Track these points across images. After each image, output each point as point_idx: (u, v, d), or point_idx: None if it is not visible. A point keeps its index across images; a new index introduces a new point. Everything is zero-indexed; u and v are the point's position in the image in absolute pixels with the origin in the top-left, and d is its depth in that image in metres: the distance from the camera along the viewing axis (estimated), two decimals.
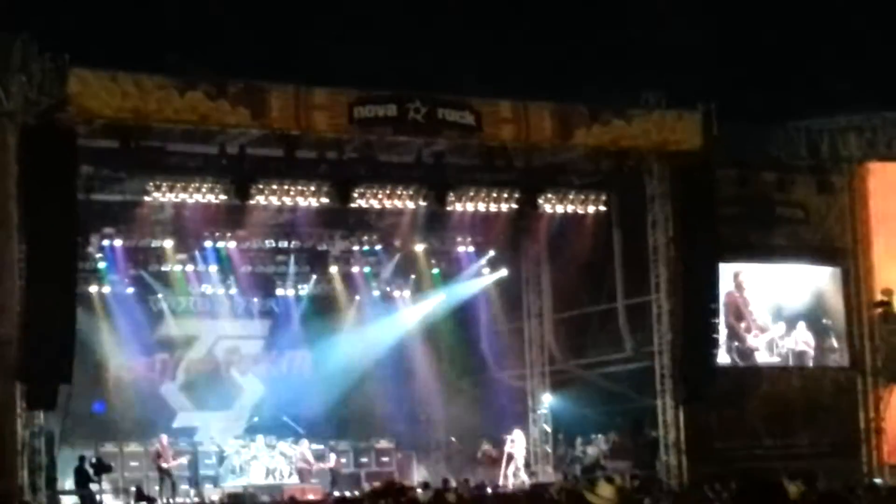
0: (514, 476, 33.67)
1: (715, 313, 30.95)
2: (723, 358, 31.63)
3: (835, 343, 33.35)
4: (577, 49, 37.50)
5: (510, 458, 33.97)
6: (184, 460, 32.47)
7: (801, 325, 33.04)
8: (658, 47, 36.77)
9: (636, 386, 33.50)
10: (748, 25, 38.67)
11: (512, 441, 34.13)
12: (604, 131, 29.59)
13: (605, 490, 11.53)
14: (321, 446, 33.86)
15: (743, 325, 32.40)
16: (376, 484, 29.98)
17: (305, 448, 33.38)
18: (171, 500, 31.10)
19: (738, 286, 32.36)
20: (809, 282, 33.30)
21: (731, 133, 31.06)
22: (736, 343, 32.26)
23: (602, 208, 32.30)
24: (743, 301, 32.44)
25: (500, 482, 33.15)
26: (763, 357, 32.61)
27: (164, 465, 31.47)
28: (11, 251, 25.46)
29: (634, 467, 32.23)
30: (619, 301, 33.62)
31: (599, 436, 34.57)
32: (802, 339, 33.01)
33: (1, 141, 25.61)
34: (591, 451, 34.48)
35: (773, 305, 32.86)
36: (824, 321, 33.37)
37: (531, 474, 34.46)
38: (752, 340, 32.48)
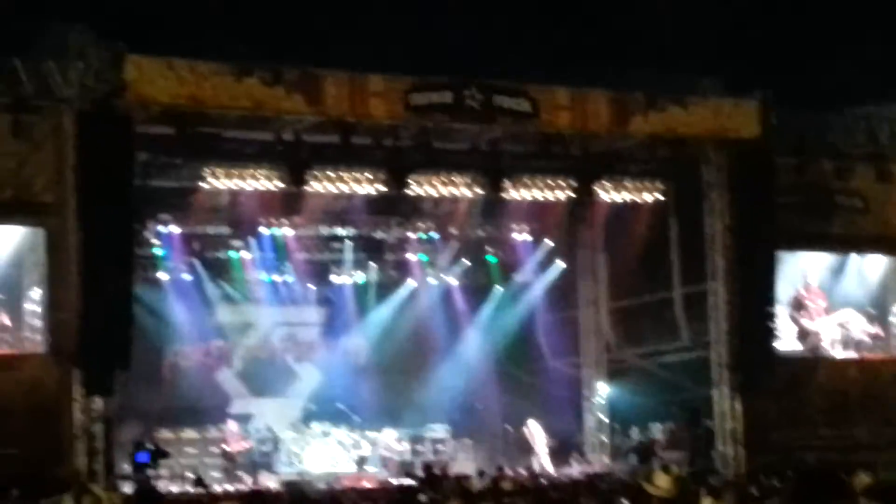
0: (539, 466, 33.47)
1: (772, 302, 30.68)
2: (787, 346, 31.43)
3: (889, 333, 33.06)
4: (632, 35, 37.23)
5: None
6: (247, 445, 32.49)
7: (861, 315, 32.76)
8: (715, 33, 36.45)
9: (693, 376, 33.25)
10: (808, 10, 38.26)
11: (529, 432, 33.99)
12: (660, 119, 29.38)
13: (662, 480, 11.41)
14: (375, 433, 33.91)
15: (804, 315, 32.16)
16: (418, 473, 30.04)
17: (390, 436, 33.38)
18: (228, 487, 31.28)
19: (806, 283, 32.18)
20: (868, 271, 33.01)
21: (788, 120, 30.75)
22: (798, 331, 32.06)
23: (658, 196, 32.11)
24: (806, 295, 32.23)
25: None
26: (825, 346, 32.40)
27: (228, 449, 31.83)
28: (69, 238, 25.59)
29: (690, 457, 32.04)
30: (675, 290, 33.43)
31: (655, 425, 34.42)
32: (861, 329, 32.74)
33: (58, 128, 25.75)
34: (647, 440, 34.34)
35: (833, 295, 32.60)
36: (881, 311, 33.08)
37: (584, 460, 34.29)
38: (812, 327, 32.26)
